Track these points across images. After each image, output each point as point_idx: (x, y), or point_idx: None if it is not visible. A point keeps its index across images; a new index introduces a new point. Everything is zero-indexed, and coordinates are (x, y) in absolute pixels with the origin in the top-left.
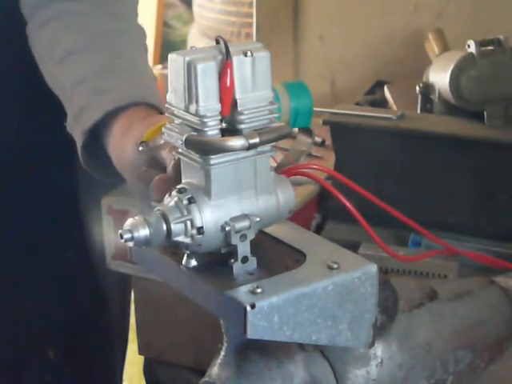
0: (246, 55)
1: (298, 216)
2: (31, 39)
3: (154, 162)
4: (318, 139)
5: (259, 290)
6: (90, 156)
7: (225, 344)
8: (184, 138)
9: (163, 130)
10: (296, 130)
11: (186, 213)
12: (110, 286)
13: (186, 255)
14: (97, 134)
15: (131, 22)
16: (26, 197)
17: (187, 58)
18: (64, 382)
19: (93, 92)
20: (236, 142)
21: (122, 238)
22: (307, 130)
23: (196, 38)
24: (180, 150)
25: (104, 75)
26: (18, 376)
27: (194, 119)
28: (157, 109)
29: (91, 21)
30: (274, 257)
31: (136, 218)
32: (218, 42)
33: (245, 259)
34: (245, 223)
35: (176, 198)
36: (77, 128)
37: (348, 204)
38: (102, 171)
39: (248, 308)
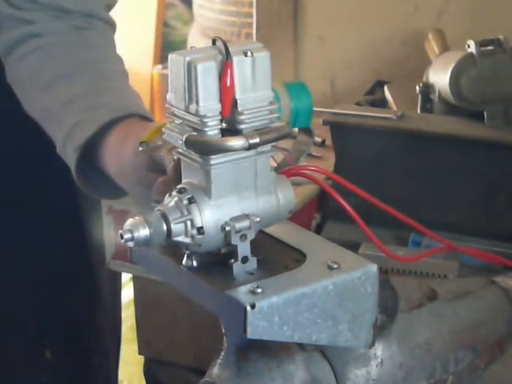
0: (246, 55)
1: (298, 216)
2: (10, 75)
3: (152, 164)
4: (317, 139)
5: (259, 290)
6: (83, 175)
7: (225, 344)
8: (184, 138)
9: (163, 130)
10: (296, 130)
11: (186, 213)
12: (106, 285)
13: (185, 255)
14: (88, 152)
15: (111, 52)
16: (26, 196)
17: (187, 58)
18: (60, 383)
19: (85, 109)
20: (236, 142)
21: (122, 238)
22: (307, 130)
23: (196, 38)
24: (180, 150)
25: (94, 94)
26: (15, 377)
27: (195, 119)
28: (150, 121)
29: (73, 50)
30: (274, 257)
31: (136, 217)
32: (214, 43)
33: (245, 259)
34: (245, 223)
35: (176, 198)
36: (69, 146)
37: (346, 205)
38: (96, 190)
39: (248, 308)
